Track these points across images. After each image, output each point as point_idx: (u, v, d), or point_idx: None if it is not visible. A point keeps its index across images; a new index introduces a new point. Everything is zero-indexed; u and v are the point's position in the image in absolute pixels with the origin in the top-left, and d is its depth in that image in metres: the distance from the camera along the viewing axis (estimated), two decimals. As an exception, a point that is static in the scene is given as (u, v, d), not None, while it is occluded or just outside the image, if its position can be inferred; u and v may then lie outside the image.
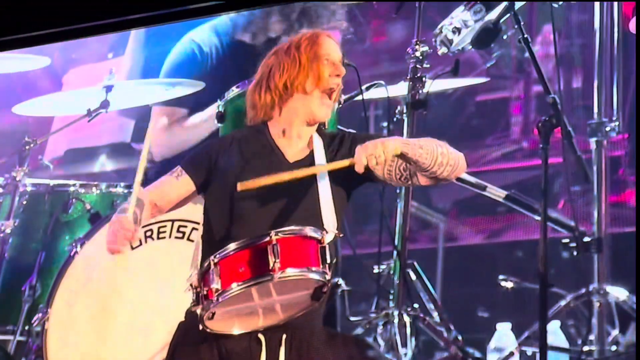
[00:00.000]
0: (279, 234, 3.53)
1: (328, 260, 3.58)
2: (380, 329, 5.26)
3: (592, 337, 5.23)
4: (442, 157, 3.74)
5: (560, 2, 5.39)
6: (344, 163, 3.69)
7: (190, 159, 3.93)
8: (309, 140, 3.91)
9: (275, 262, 3.49)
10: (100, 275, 4.93)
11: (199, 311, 3.57)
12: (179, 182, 3.89)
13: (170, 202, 3.91)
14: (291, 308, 3.66)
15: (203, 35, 6.05)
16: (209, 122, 5.82)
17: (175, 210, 4.04)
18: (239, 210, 3.80)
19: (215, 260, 3.54)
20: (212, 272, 3.53)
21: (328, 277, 3.58)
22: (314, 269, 3.56)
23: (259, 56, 3.99)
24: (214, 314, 3.56)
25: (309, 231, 3.59)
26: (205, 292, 3.55)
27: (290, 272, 3.52)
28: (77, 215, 5.47)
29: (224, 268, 3.53)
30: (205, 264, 3.57)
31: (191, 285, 3.61)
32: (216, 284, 3.52)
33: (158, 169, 5.61)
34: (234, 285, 3.51)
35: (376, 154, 3.59)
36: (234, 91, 4.67)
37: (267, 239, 3.52)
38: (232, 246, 3.55)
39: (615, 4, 5.50)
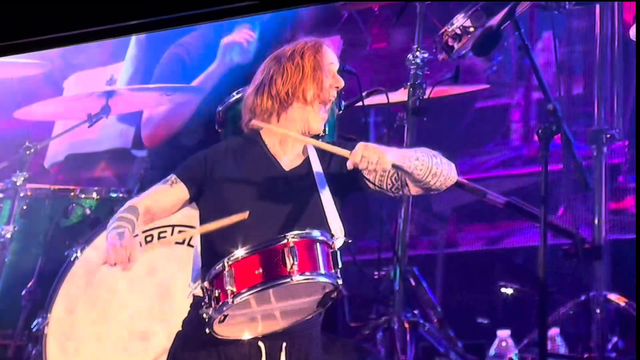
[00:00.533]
0: (295, 237, 3.53)
1: (339, 265, 3.59)
2: (380, 335, 5.26)
3: (592, 343, 5.23)
4: (436, 167, 3.75)
5: (561, 9, 5.40)
6: (344, 152, 3.67)
7: (185, 168, 3.92)
8: (303, 148, 3.91)
9: (293, 264, 3.48)
10: (100, 280, 4.93)
11: (209, 313, 3.55)
12: (173, 190, 3.88)
13: (164, 210, 3.90)
14: (296, 314, 3.65)
15: (192, 40, 6.04)
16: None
17: (176, 216, 4.04)
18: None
19: (230, 263, 3.53)
20: (226, 274, 3.51)
21: (340, 282, 3.59)
22: (328, 272, 3.56)
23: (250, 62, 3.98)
24: (225, 316, 3.55)
25: (322, 235, 3.59)
26: (217, 294, 3.53)
27: (309, 274, 3.51)
28: (77, 221, 5.48)
29: (238, 270, 3.51)
30: (218, 266, 3.55)
31: (202, 288, 3.60)
32: (231, 286, 3.50)
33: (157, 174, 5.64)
34: (249, 287, 3.50)
35: (371, 159, 3.58)
36: (234, 97, 4.67)
37: (285, 241, 3.51)
38: (245, 249, 3.54)
39: (616, 12, 5.51)
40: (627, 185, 5.84)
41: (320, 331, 3.83)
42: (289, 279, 3.49)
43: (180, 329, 3.81)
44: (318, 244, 3.57)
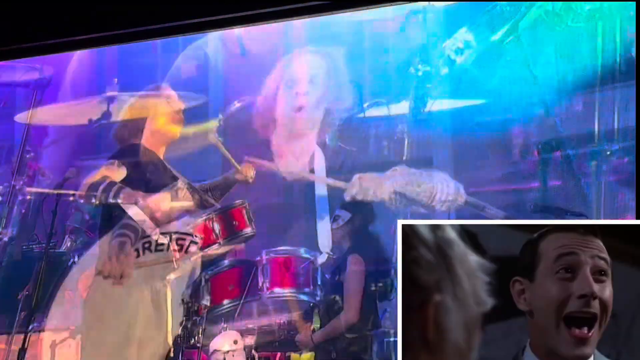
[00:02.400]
0: (270, 254, 3.56)
1: (319, 282, 3.60)
2: (376, 347, 5.25)
3: None
4: (440, 193, 3.75)
5: (563, 25, 5.41)
6: (340, 184, 3.69)
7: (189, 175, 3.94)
8: (310, 158, 3.92)
9: (264, 281, 3.51)
10: (96, 286, 4.92)
11: (189, 327, 3.58)
12: (179, 198, 3.89)
13: (169, 216, 3.92)
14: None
15: (210, 44, 6.04)
16: None
17: (174, 224, 4.05)
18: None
19: (207, 277, 3.56)
20: (203, 288, 3.55)
21: (318, 298, 3.60)
22: (304, 289, 3.57)
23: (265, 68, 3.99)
24: (204, 329, 3.57)
25: (301, 252, 3.61)
26: (195, 308, 3.57)
27: (279, 292, 3.53)
28: (76, 226, 5.47)
29: (215, 285, 3.55)
30: (197, 280, 3.58)
31: (182, 300, 3.63)
32: (206, 301, 3.54)
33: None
34: (224, 302, 3.53)
35: (369, 192, 3.61)
36: (235, 105, 4.68)
37: (258, 258, 3.55)
38: (224, 263, 3.57)
39: (618, 28, 5.52)
40: (626, 202, 5.85)
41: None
42: (258, 297, 3.52)
43: (178, 332, 3.83)
44: (296, 260, 3.59)
